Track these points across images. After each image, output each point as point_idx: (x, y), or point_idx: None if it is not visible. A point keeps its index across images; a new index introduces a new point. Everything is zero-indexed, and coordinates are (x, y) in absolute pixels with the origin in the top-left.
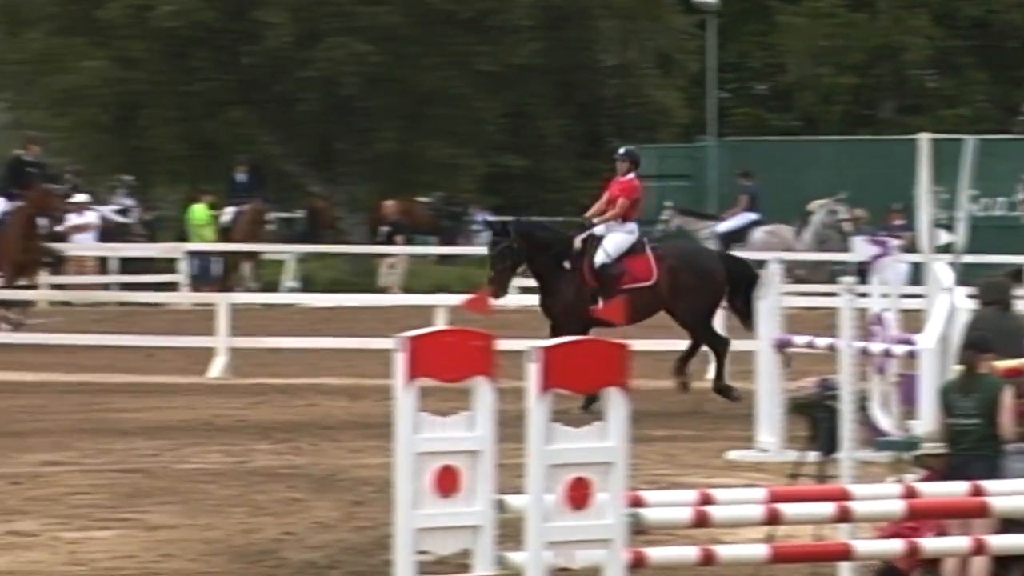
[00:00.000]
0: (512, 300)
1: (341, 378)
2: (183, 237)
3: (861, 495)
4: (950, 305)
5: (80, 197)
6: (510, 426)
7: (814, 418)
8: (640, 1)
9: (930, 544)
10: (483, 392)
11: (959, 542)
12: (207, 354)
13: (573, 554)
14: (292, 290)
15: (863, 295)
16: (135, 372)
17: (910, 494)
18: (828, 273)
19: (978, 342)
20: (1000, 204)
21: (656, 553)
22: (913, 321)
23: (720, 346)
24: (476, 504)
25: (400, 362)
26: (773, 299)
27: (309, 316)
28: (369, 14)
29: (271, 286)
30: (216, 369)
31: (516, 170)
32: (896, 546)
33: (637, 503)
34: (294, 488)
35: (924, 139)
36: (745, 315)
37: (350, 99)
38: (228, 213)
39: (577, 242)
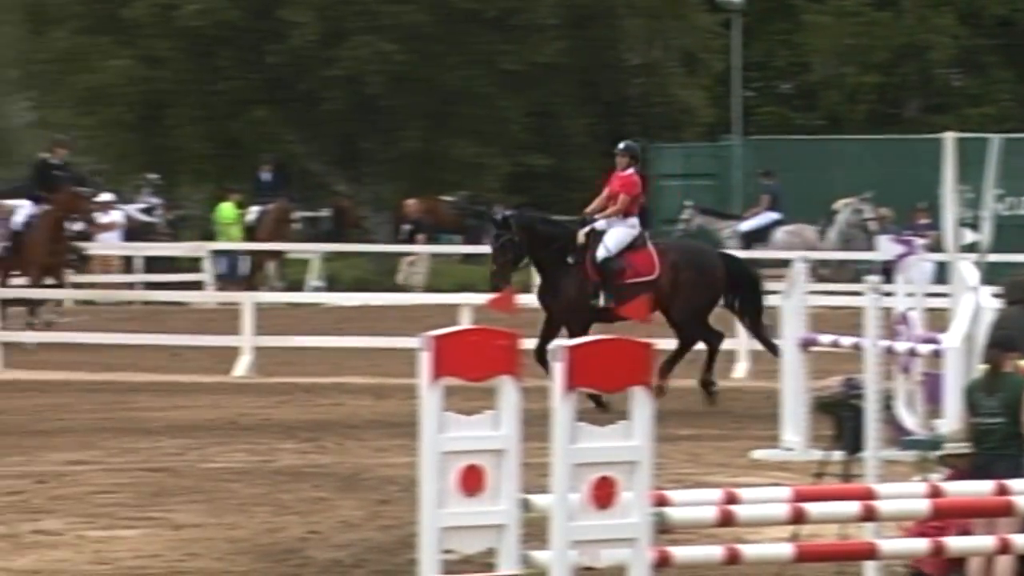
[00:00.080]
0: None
1: (366, 377)
2: (207, 236)
3: (886, 494)
4: (975, 304)
5: (105, 196)
6: (535, 425)
7: (839, 417)
8: (665, 0)
9: (955, 543)
10: (508, 391)
11: (984, 541)
12: (232, 353)
13: (598, 553)
14: (317, 289)
15: (888, 294)
16: (160, 371)
17: (935, 493)
18: (853, 272)
19: (1003, 341)
20: None
21: (681, 552)
22: (938, 320)
23: (714, 341)
24: (501, 503)
25: (425, 361)
26: (798, 298)
27: (334, 315)
28: (394, 13)
29: (296, 285)
30: (241, 368)
31: (541, 169)
32: (921, 545)
33: (662, 502)
34: (319, 487)
35: (949, 138)
36: (743, 315)
37: (375, 98)
38: (253, 212)
39: (581, 236)
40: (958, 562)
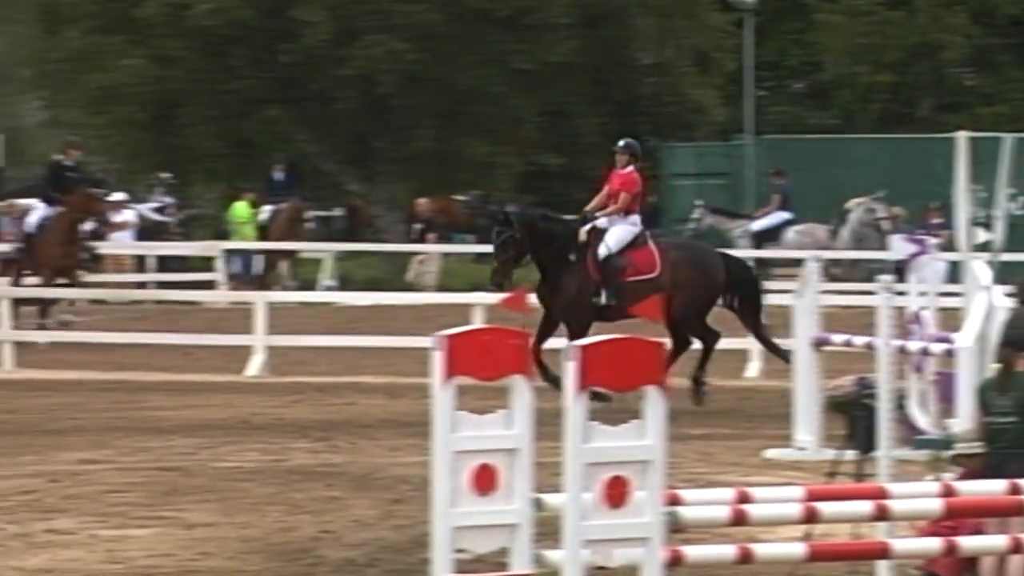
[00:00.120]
0: None
1: (379, 376)
2: (220, 235)
3: (899, 494)
4: (988, 303)
5: (117, 195)
6: (547, 424)
7: (852, 416)
8: None
9: (968, 543)
10: (521, 390)
11: (997, 541)
12: (245, 352)
13: (611, 552)
14: (329, 288)
15: (901, 293)
16: (172, 370)
17: (948, 492)
18: (866, 271)
19: (1016, 340)
20: None
21: (693, 551)
22: (951, 319)
23: (711, 340)
24: (514, 502)
25: (438, 360)
26: (811, 298)
27: (346, 314)
28: (406, 12)
29: (308, 284)
30: (254, 367)
31: (553, 168)
32: (934, 545)
33: (674, 501)
34: (332, 486)
35: (962, 137)
36: (743, 315)
37: (387, 97)
38: (266, 211)
39: (582, 234)
40: (970, 562)
